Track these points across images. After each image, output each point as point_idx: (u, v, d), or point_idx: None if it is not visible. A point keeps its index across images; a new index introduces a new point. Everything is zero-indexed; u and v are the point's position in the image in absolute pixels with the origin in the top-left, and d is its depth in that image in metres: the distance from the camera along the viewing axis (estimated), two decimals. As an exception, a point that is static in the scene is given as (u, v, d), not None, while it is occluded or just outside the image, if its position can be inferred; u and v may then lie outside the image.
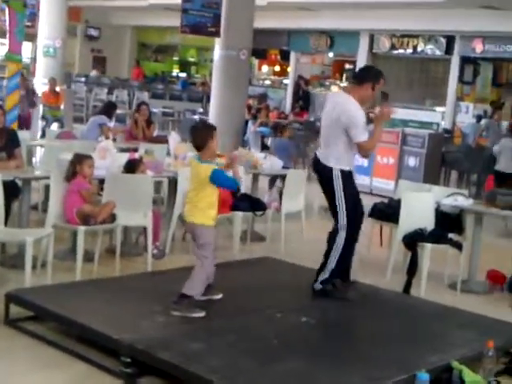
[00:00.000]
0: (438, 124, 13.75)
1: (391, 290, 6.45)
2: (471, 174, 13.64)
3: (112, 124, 10.69)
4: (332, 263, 5.81)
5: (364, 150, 5.88)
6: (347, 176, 5.80)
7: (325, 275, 5.84)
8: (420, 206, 7.11)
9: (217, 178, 5.09)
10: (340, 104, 5.81)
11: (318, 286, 5.86)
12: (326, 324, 5.27)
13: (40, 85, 16.35)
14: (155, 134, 10.99)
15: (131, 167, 7.09)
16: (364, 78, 5.82)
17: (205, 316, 5.07)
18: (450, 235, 7.00)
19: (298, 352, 4.62)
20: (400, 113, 14.16)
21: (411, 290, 6.59)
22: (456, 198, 7.18)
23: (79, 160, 6.41)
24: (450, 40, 19.61)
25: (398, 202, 7.19)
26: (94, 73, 25.76)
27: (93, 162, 6.49)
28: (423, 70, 22.11)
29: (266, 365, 4.36)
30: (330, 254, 5.84)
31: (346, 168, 5.79)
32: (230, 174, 5.31)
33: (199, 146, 5.17)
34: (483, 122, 15.76)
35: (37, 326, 5.02)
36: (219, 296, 5.45)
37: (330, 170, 5.76)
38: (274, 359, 4.44)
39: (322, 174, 5.88)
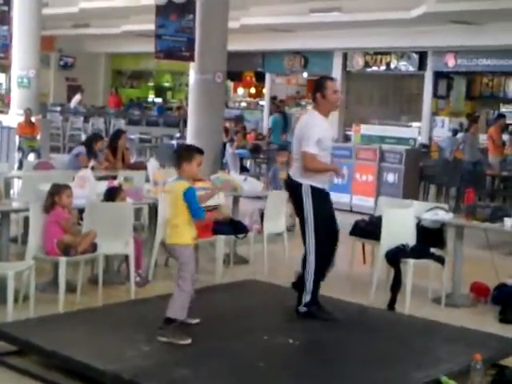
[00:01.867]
0: (414, 139, 13.77)
1: (376, 308, 6.45)
2: (450, 188, 13.72)
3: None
4: (310, 285, 5.76)
5: (304, 162, 5.71)
6: (319, 194, 5.73)
7: (307, 298, 5.80)
8: (401, 221, 7.12)
9: (189, 197, 5.11)
10: (301, 119, 5.97)
11: (302, 308, 5.83)
12: (312, 345, 5.24)
13: (15, 116, 16.26)
14: (133, 160, 10.95)
15: (111, 195, 7.05)
16: (313, 94, 5.90)
17: (190, 342, 5.04)
18: (432, 250, 7.02)
19: (284, 374, 4.60)
20: (376, 129, 14.26)
21: (396, 306, 6.59)
22: (436, 213, 7.21)
23: (57, 190, 6.37)
24: (423, 55, 19.80)
25: (379, 218, 7.21)
26: (77, 97, 25.49)
27: (71, 191, 6.44)
28: (397, 86, 22.29)
29: (254, 389, 4.33)
30: (304, 278, 5.78)
31: (318, 185, 5.73)
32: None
33: (177, 167, 5.27)
34: (459, 135, 15.88)
35: (20, 360, 4.95)
36: (196, 321, 5.39)
37: (300, 185, 5.74)
38: (261, 383, 4.40)
39: (292, 190, 5.88)
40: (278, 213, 8.20)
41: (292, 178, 5.86)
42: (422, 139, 18.01)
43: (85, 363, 4.59)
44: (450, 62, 19.23)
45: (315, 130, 5.72)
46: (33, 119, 15.56)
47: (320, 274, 5.79)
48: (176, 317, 5.08)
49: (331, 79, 6.04)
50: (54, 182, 6.58)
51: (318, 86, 5.88)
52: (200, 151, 5.34)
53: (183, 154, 5.29)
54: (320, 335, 5.47)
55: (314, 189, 5.71)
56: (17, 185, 9.50)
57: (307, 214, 5.71)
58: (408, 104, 21.96)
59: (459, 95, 21.02)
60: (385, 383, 4.48)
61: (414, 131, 14.50)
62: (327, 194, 5.88)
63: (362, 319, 6.01)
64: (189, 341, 5.05)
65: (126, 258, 6.80)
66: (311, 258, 5.73)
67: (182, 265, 5.19)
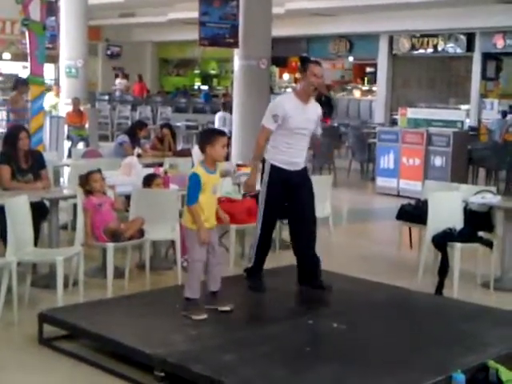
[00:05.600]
0: (462, 122, 13.59)
1: (423, 292, 6.40)
2: (499, 171, 13.50)
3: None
4: (252, 256, 6.07)
5: (258, 132, 5.92)
6: (277, 173, 5.84)
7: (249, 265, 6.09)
8: (448, 205, 7.04)
9: (188, 182, 5.26)
10: None
11: (244, 274, 6.12)
12: (358, 330, 5.22)
13: (64, 105, 16.50)
14: (179, 147, 11.03)
15: (147, 181, 7.14)
16: (299, 74, 6.03)
17: (233, 322, 5.09)
18: (480, 233, 6.93)
19: (330, 359, 4.60)
20: (423, 112, 14.08)
21: (444, 290, 6.53)
22: (484, 196, 7.11)
23: (85, 180, 6.45)
24: (471, 37, 19.49)
25: (425, 202, 7.14)
26: (119, 81, 25.72)
27: (99, 175, 6.49)
28: (445, 68, 21.98)
29: (300, 373, 4.34)
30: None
31: (279, 164, 5.85)
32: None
33: (201, 151, 5.35)
34: (509, 117, 15.61)
35: (70, 344, 5.05)
36: (227, 308, 5.38)
37: (265, 161, 5.92)
38: (308, 367, 4.42)
39: (262, 164, 6.01)
40: (322, 197, 8.15)
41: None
42: (471, 122, 17.74)
43: (132, 347, 4.66)
44: (499, 42, 18.88)
45: (281, 103, 5.87)
46: (81, 108, 15.77)
47: (262, 248, 6.01)
48: (188, 296, 5.27)
49: (316, 62, 6.07)
50: (80, 174, 6.65)
51: (301, 68, 5.98)
52: (222, 133, 5.40)
53: (205, 138, 5.35)
54: (365, 320, 5.45)
55: (272, 167, 5.85)
56: (66, 173, 9.66)
57: (262, 188, 5.92)
58: (456, 86, 21.66)
59: (508, 76, 20.64)
60: (432, 367, 4.45)
61: (462, 114, 14.28)
62: (290, 176, 5.90)
63: (409, 304, 5.97)
64: (204, 316, 5.17)
65: (173, 243, 6.87)
66: (256, 232, 5.98)
67: (189, 248, 5.36)
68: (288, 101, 5.89)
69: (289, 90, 25.91)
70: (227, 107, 17.70)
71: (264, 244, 6.03)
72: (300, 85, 5.97)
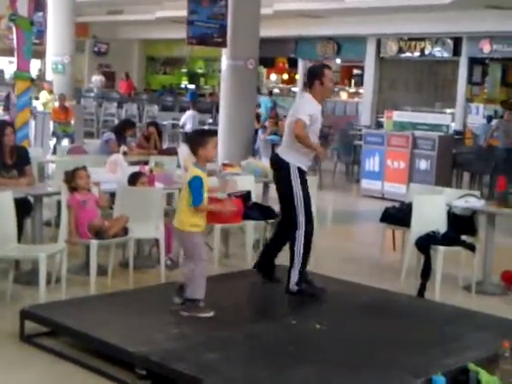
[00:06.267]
0: (448, 126, 13.67)
1: (406, 294, 6.43)
2: (483, 175, 13.58)
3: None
4: (299, 261, 5.95)
5: (296, 129, 5.87)
6: (302, 175, 5.98)
7: (295, 277, 5.93)
8: (431, 208, 7.08)
9: (192, 186, 5.24)
10: (297, 103, 6.18)
11: (293, 287, 5.95)
12: (340, 331, 5.24)
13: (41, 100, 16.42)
14: (165, 146, 11.02)
15: (132, 179, 7.12)
16: (310, 80, 6.06)
17: (217, 322, 5.09)
18: (463, 237, 6.98)
19: (312, 359, 4.61)
20: (409, 116, 14.15)
21: (426, 293, 6.57)
22: (467, 200, 7.15)
23: (71, 176, 6.43)
24: (458, 41, 19.59)
25: (409, 205, 7.17)
26: (95, 78, 25.73)
27: (84, 172, 6.47)
28: (431, 72, 22.09)
29: (282, 373, 4.36)
30: (294, 254, 5.98)
31: (302, 167, 5.99)
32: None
33: (193, 153, 5.36)
34: (494, 122, 15.70)
35: (52, 341, 5.04)
36: (208, 314, 5.34)
37: (287, 164, 5.95)
38: (290, 367, 4.43)
39: (278, 167, 6.08)
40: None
41: (280, 155, 6.06)
42: (456, 126, 17.85)
43: (114, 345, 4.65)
44: (486, 47, 18.99)
45: (310, 104, 5.98)
46: (67, 105, 15.72)
47: (307, 249, 6.00)
48: (195, 296, 5.24)
49: (329, 68, 6.23)
50: (65, 170, 6.62)
51: (316, 74, 6.06)
52: (212, 133, 5.45)
53: (196, 140, 5.37)
54: (348, 321, 5.47)
55: (299, 169, 5.96)
56: (51, 169, 9.62)
57: (297, 192, 5.95)
58: (442, 90, 21.78)
59: (494, 81, 20.79)
60: (412, 369, 4.47)
61: (447, 118, 14.36)
62: (305, 173, 6.09)
63: (391, 306, 5.99)
64: (211, 313, 5.20)
65: (157, 242, 6.86)
66: (300, 233, 5.94)
67: (188, 250, 5.37)
68: (315, 103, 6.02)
69: (276, 90, 26.00)
70: (196, 106, 18.23)
71: (308, 250, 6.05)
72: (318, 91, 6.01)
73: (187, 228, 5.30)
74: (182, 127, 17.76)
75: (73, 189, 6.39)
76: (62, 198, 6.48)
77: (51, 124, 15.04)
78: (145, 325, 5.11)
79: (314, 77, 6.04)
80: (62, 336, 5.07)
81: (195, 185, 5.24)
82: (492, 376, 4.39)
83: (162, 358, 4.43)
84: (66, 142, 14.61)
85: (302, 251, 5.95)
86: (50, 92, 16.63)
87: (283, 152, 6.06)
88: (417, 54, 20.75)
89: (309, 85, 6.08)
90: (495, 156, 13.39)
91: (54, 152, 12.17)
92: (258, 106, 18.98)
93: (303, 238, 5.94)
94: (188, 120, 17.58)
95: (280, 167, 6.05)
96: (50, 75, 17.84)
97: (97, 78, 26.00)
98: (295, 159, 5.95)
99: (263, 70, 26.28)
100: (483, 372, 4.39)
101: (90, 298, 5.93)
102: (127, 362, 4.52)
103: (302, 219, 5.94)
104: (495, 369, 4.45)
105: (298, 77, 24.46)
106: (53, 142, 14.64)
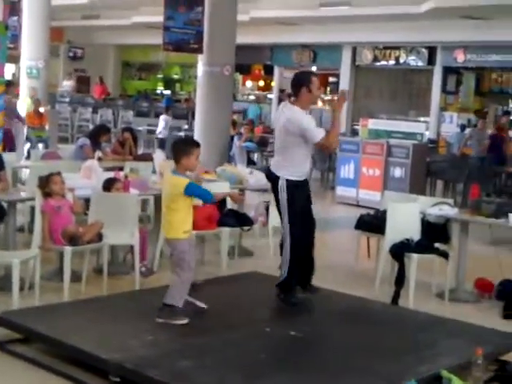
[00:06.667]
0: (422, 134, 13.78)
1: (380, 301, 6.46)
2: (457, 183, 13.71)
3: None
4: (285, 272, 5.93)
5: (327, 147, 5.98)
6: (293, 187, 5.87)
7: (281, 284, 5.97)
8: (406, 216, 7.13)
9: (192, 190, 5.25)
10: (286, 114, 5.92)
11: (280, 295, 5.99)
12: (314, 338, 5.26)
13: (23, 106, 16.30)
14: (140, 151, 10.99)
15: (106, 185, 7.09)
16: (297, 87, 5.92)
17: (191, 329, 5.09)
18: (437, 245, 7.03)
19: (286, 366, 4.62)
20: (384, 124, 14.24)
21: (399, 300, 6.60)
22: (441, 208, 7.21)
23: (45, 182, 6.38)
24: (432, 51, 19.77)
25: (384, 213, 7.22)
26: (65, 83, 25.62)
27: (58, 177, 6.43)
28: (406, 81, 22.27)
29: (256, 380, 4.36)
30: (281, 264, 5.98)
31: (293, 178, 5.87)
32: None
33: (175, 161, 5.35)
34: (467, 131, 15.86)
35: (24, 347, 4.99)
36: (203, 305, 5.54)
37: (277, 178, 5.89)
38: (264, 374, 4.44)
39: (271, 181, 6.03)
40: (283, 206, 8.19)
41: (271, 169, 6.03)
42: (430, 134, 18.00)
43: (88, 352, 4.62)
44: (460, 57, 19.19)
45: (306, 117, 5.88)
46: (41, 110, 15.61)
47: (294, 261, 5.91)
48: (173, 303, 5.25)
49: (316, 75, 6.16)
50: (40, 175, 6.57)
51: (304, 81, 5.93)
52: (197, 144, 5.45)
53: (181, 149, 5.36)
54: (322, 328, 5.49)
55: (288, 182, 5.85)
56: (24, 175, 9.54)
57: (282, 207, 5.89)
58: (416, 99, 21.95)
59: (468, 90, 20.99)
60: (386, 376, 4.50)
61: (422, 126, 14.49)
62: (304, 185, 6.01)
63: (366, 313, 6.02)
64: (185, 320, 5.21)
65: (132, 248, 6.83)
66: (286, 245, 5.89)
67: (177, 257, 5.34)
68: (306, 115, 5.93)
69: (252, 97, 26.04)
70: (170, 111, 18.29)
71: (295, 261, 5.94)
72: (304, 98, 5.90)
73: (181, 236, 5.30)
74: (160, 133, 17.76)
75: (47, 194, 6.35)
76: (36, 204, 6.43)
77: (25, 129, 14.92)
78: (119, 331, 5.09)
79: (301, 84, 5.90)
80: (35, 343, 5.03)
81: (193, 189, 5.26)
82: (465, 383, 4.43)
83: (136, 365, 4.41)
84: (40, 148, 14.50)
85: (288, 261, 5.89)
86: (32, 97, 16.52)
87: (273, 165, 6.02)
88: (392, 62, 20.92)
89: (295, 92, 5.95)
90: (469, 164, 13.52)
91: (28, 157, 12.06)
92: (245, 113, 19.04)
93: (289, 248, 5.87)
94: (160, 124, 17.60)
95: (272, 180, 6.00)
96: (24, 80, 17.70)
97: (67, 83, 25.86)
98: (286, 171, 5.86)
99: (239, 77, 26.31)
100: (456, 379, 4.43)
101: (63, 304, 5.89)
102: (101, 369, 4.50)
103: (287, 230, 5.87)
104: (468, 376, 4.48)
105: (273, 84, 24.51)
106: (27, 147, 14.51)
